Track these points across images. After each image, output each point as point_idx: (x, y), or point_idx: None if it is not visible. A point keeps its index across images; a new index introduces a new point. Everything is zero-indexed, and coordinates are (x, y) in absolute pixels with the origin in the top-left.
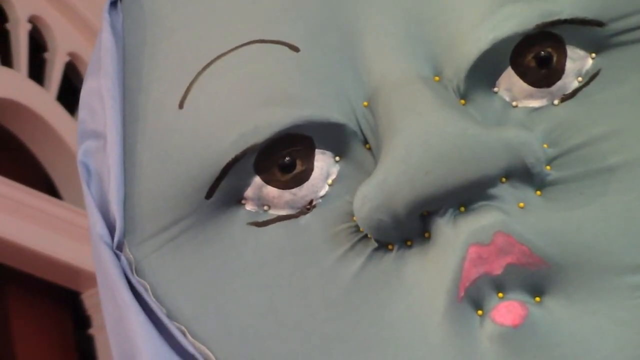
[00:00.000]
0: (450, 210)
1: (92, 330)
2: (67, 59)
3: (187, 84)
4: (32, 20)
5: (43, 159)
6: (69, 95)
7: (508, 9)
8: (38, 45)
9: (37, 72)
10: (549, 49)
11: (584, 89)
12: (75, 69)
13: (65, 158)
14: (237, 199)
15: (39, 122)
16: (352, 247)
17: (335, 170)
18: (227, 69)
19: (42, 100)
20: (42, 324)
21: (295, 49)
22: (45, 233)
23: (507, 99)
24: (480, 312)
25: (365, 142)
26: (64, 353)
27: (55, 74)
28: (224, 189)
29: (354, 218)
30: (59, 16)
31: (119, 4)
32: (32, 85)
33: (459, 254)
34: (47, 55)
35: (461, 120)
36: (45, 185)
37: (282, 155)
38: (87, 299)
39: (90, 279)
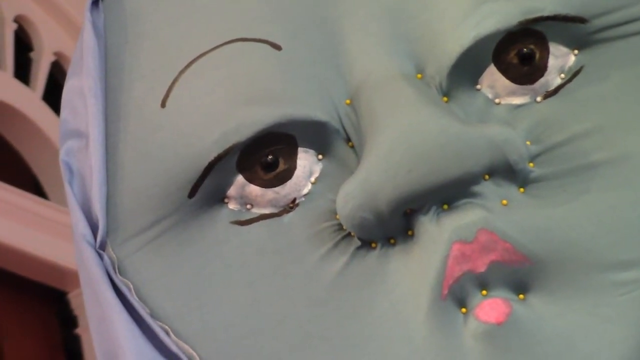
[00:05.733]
0: (434, 208)
1: (78, 330)
2: (53, 58)
3: (169, 83)
4: (18, 19)
5: (29, 158)
6: (55, 94)
7: (490, 6)
8: (24, 44)
9: (23, 71)
10: (532, 46)
11: (567, 86)
12: (61, 69)
13: (52, 157)
14: (219, 198)
15: (25, 122)
16: (336, 245)
17: (318, 168)
18: (209, 68)
19: (28, 100)
20: (29, 323)
21: (277, 47)
22: (31, 232)
23: (490, 96)
24: (464, 309)
25: (348, 140)
26: (51, 353)
27: (41, 73)
28: (206, 187)
29: (337, 216)
30: (44, 16)
31: (100, 3)
32: (18, 84)
33: (442, 251)
34: (33, 54)
35: (443, 117)
36: (32, 184)
37: (265, 154)
38: (73, 299)
39: (76, 278)
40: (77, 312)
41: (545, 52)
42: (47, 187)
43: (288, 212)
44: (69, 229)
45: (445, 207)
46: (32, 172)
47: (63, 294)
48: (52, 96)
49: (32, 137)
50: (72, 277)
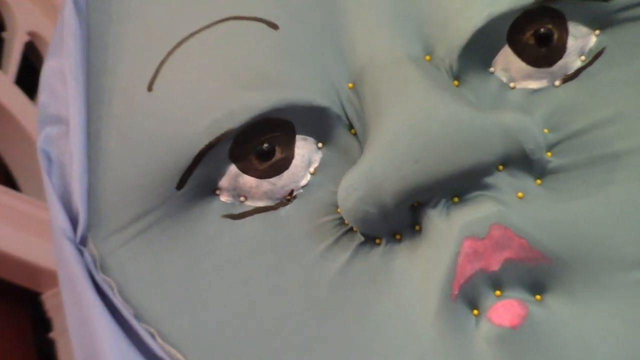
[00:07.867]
0: (443, 201)
1: (53, 334)
2: (26, 38)
3: (157, 65)
4: None
5: (0, 147)
6: (29, 78)
7: None
8: None
9: None
10: (549, 26)
11: (587, 69)
12: (36, 50)
13: (24, 146)
14: (210, 190)
15: None
16: (337, 241)
17: (317, 157)
18: (201, 48)
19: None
20: None
21: (274, 26)
22: (2, 228)
23: (504, 79)
24: (476, 311)
25: (350, 127)
26: (23, 358)
27: (13, 55)
28: (196, 178)
29: (339, 210)
30: None
31: None
32: None
33: (452, 248)
34: (5, 34)
35: (454, 103)
36: (2, 175)
37: (260, 142)
38: (48, 300)
39: (51, 278)
40: (51, 314)
41: (564, 33)
42: (19, 179)
43: (285, 205)
44: (44, 224)
45: (456, 199)
46: (3, 162)
47: (36, 295)
48: (26, 79)
49: (3, 124)
50: (46, 276)
